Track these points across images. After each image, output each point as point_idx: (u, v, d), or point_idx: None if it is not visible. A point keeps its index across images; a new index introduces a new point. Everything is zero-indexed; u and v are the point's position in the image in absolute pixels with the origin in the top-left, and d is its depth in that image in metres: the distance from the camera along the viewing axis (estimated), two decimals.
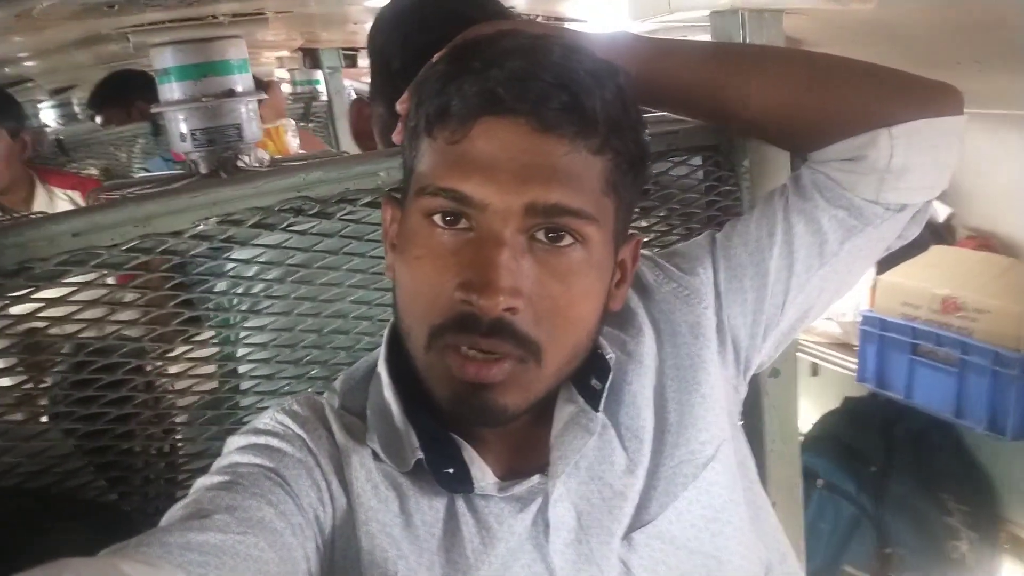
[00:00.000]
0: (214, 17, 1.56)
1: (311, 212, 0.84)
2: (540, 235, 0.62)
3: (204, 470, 0.67)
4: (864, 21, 1.38)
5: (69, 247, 0.74)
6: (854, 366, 2.15)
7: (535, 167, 0.60)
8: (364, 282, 0.89)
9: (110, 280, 0.79)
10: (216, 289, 0.85)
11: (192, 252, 0.80)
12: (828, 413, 2.41)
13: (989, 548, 2.13)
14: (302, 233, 0.84)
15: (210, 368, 0.89)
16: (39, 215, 1.34)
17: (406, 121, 0.70)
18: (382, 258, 0.88)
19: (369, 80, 1.10)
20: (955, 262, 1.97)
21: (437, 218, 0.62)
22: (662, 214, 1.04)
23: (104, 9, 1.09)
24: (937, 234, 2.15)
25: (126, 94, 2.70)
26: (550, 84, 0.60)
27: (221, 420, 0.87)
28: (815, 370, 2.45)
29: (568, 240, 0.62)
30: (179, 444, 0.88)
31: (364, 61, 2.94)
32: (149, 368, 0.83)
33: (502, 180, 0.60)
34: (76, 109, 3.56)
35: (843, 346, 2.29)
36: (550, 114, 0.60)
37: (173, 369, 0.85)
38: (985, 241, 2.16)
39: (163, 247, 0.78)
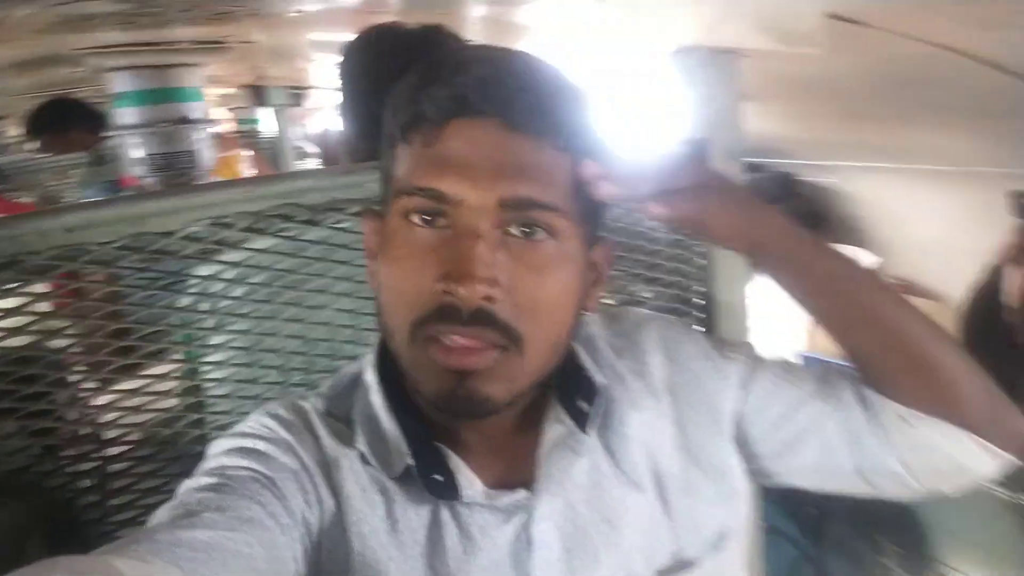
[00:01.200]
0: (175, 44, 1.57)
1: (300, 219, 0.85)
2: (513, 230, 0.64)
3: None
4: (807, 74, 1.47)
5: (61, 242, 0.74)
6: None
7: (506, 164, 0.63)
8: (349, 290, 0.90)
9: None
10: (179, 304, 0.84)
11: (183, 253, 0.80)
12: None
13: None
14: (290, 239, 0.85)
15: (170, 384, 0.88)
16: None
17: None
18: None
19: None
20: None
21: (415, 218, 0.64)
22: (626, 240, 1.08)
23: (79, 23, 1.09)
24: None
25: (65, 121, 2.64)
26: (515, 88, 0.63)
27: (178, 438, 0.86)
28: None
29: (541, 234, 0.65)
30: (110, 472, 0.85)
31: (308, 103, 2.95)
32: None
33: (476, 177, 0.62)
34: (11, 138, 3.46)
35: None
36: (517, 115, 0.63)
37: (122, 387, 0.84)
38: (907, 288, 2.28)
39: (153, 246, 0.78)
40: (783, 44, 1.07)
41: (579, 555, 0.68)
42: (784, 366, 0.80)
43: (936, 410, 0.73)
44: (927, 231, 2.17)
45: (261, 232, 0.83)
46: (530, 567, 0.67)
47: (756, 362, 0.79)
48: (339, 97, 1.16)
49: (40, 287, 0.78)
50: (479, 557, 0.67)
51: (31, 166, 2.59)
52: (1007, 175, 1.88)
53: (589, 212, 0.69)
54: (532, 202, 0.63)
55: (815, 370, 0.80)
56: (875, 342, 0.75)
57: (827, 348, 2.02)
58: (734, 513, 0.74)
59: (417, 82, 0.66)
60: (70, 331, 0.81)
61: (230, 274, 0.86)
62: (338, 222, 0.87)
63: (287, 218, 0.84)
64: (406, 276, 0.64)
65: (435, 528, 0.68)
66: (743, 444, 0.77)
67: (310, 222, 0.85)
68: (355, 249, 0.89)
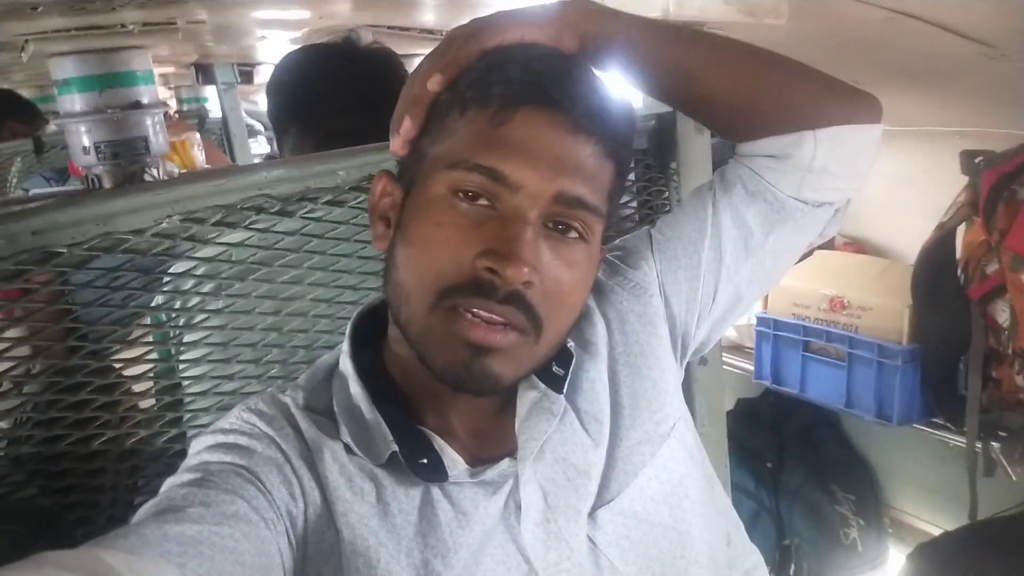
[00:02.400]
0: (123, 26, 1.52)
1: (272, 210, 0.84)
2: (551, 225, 0.67)
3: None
4: (769, 41, 1.49)
5: (29, 245, 0.72)
6: (748, 367, 2.27)
7: (567, 160, 0.65)
8: (323, 280, 0.89)
9: None
10: (152, 304, 0.83)
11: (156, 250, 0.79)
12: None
13: (876, 532, 2.28)
14: (262, 231, 0.84)
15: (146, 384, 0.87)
16: None
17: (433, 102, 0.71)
18: (342, 256, 0.89)
19: (267, 109, 1.25)
20: (839, 265, 2.12)
21: (460, 194, 0.66)
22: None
23: (27, 12, 1.05)
24: None
25: None
26: (586, 87, 0.67)
27: (178, 423, 0.85)
28: None
29: (574, 234, 0.68)
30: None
31: (259, 78, 2.89)
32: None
33: (538, 167, 0.64)
34: None
35: (737, 348, 2.41)
36: (583, 114, 0.65)
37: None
38: (859, 247, 2.34)
39: (124, 245, 0.77)
40: (748, 16, 1.08)
41: (562, 510, 0.71)
42: (670, 222, 0.86)
43: (797, 120, 0.79)
44: (879, 190, 2.22)
45: (233, 226, 0.82)
46: (520, 530, 0.70)
47: (655, 248, 0.85)
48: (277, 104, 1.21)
49: None
50: (473, 529, 0.69)
51: None
52: (957, 134, 1.93)
53: (610, 218, 0.73)
54: (582, 202, 0.66)
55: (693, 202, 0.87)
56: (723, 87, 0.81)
57: (780, 309, 2.08)
58: (674, 407, 0.80)
59: (490, 61, 0.68)
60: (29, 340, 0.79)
61: (203, 269, 0.85)
62: (311, 211, 0.86)
63: (259, 210, 0.83)
64: (442, 244, 0.66)
65: (427, 506, 0.69)
66: (689, 328, 0.85)
67: (282, 212, 0.84)
68: (329, 239, 0.89)
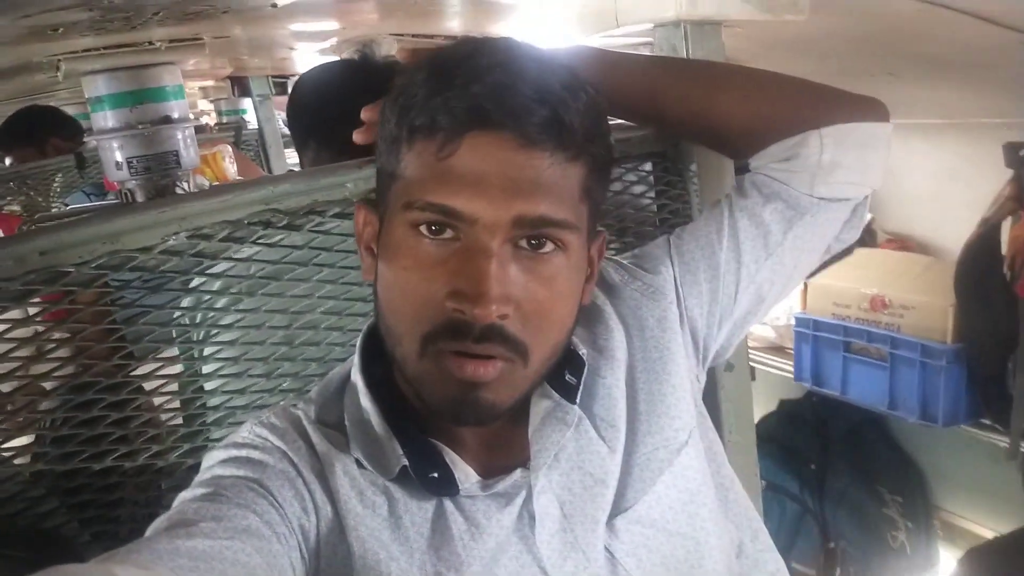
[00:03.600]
0: (150, 43, 1.54)
1: (280, 224, 0.84)
2: (523, 243, 0.64)
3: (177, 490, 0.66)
4: (792, 36, 1.46)
5: (36, 265, 0.73)
6: (789, 368, 2.23)
7: (521, 181, 0.63)
8: (333, 293, 0.89)
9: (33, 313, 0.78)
10: (183, 304, 0.84)
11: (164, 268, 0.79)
12: (765, 416, 2.49)
13: (925, 535, 2.22)
14: (270, 246, 0.84)
15: (174, 387, 0.88)
16: None
17: (379, 128, 0.71)
18: (351, 268, 0.89)
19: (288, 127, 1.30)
20: (879, 263, 2.07)
21: (423, 228, 0.64)
22: (616, 219, 1.08)
23: (48, 33, 1.07)
24: (860, 238, 2.25)
25: (40, 131, 2.63)
26: (530, 99, 0.62)
27: (193, 438, 0.86)
28: (752, 374, 2.52)
29: (550, 247, 0.65)
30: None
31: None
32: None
33: (491, 195, 0.62)
34: None
35: (777, 349, 2.37)
36: (533, 129, 0.62)
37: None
38: (903, 243, 2.27)
39: (132, 263, 0.77)
40: (766, 13, 1.05)
41: (579, 519, 0.70)
42: (689, 230, 0.87)
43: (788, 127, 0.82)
44: (921, 185, 2.16)
45: (241, 241, 0.82)
46: (535, 541, 0.69)
47: (673, 252, 0.85)
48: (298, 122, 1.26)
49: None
50: (486, 541, 0.68)
51: (11, 175, 2.57)
52: (1000, 126, 1.87)
53: (592, 213, 0.71)
54: (546, 220, 0.64)
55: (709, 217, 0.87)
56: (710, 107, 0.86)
57: (820, 308, 2.04)
58: (691, 414, 0.78)
59: (429, 83, 0.65)
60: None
61: (214, 284, 0.86)
62: (319, 225, 0.86)
63: (267, 224, 0.83)
64: (414, 289, 0.65)
65: (440, 519, 0.69)
66: (711, 331, 0.85)
67: (290, 227, 0.84)
68: (337, 251, 0.89)
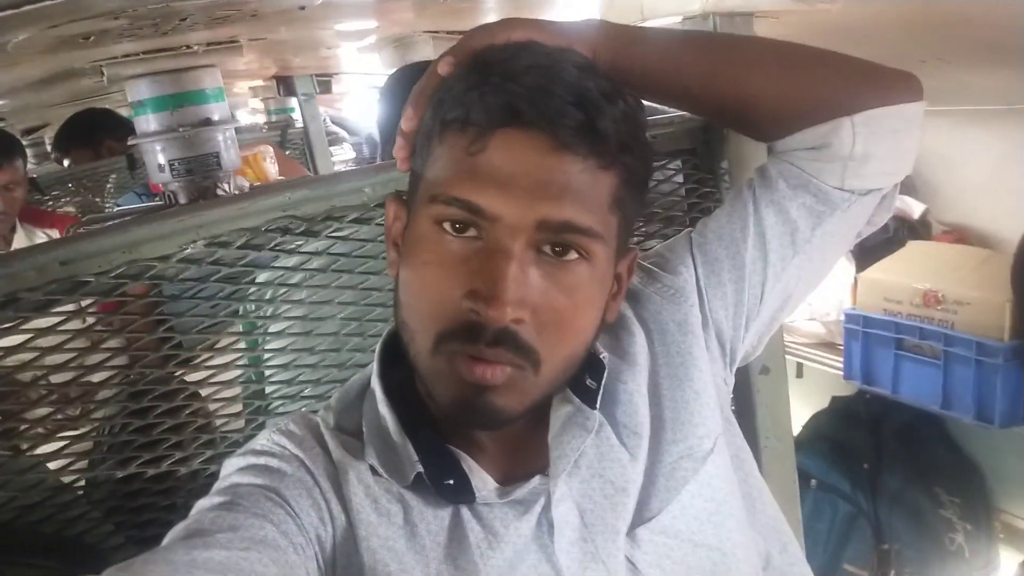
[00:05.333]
0: (188, 47, 1.56)
1: (298, 231, 0.84)
2: (547, 249, 0.63)
3: None
4: (831, 23, 1.41)
5: (57, 275, 0.74)
6: (839, 365, 2.16)
7: (549, 184, 0.61)
8: (353, 298, 0.89)
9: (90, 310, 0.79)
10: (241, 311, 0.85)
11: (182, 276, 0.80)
12: (817, 414, 2.42)
13: (985, 538, 2.14)
14: (288, 252, 0.84)
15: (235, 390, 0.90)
16: None
17: (417, 128, 0.70)
18: (371, 274, 0.89)
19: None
20: (933, 256, 1.99)
21: (447, 225, 0.63)
22: (644, 219, 1.05)
23: (79, 41, 1.09)
24: (913, 230, 2.18)
25: (95, 134, 2.69)
26: (566, 102, 0.61)
27: (214, 444, 0.87)
28: (800, 371, 2.47)
29: (574, 255, 0.64)
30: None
31: (338, 87, 2.94)
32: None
33: (516, 195, 0.61)
34: (48, 148, 3.54)
35: (828, 346, 2.30)
36: (566, 131, 0.61)
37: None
38: (960, 235, 2.19)
39: (150, 272, 0.78)
40: (799, 2, 1.02)
41: (599, 529, 0.69)
42: (711, 226, 0.82)
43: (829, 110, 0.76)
44: (976, 173, 2.08)
45: (258, 248, 0.82)
46: (554, 549, 0.67)
47: (695, 252, 0.82)
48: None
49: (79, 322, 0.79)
50: (504, 550, 0.67)
51: (67, 176, 2.64)
52: None
53: (623, 227, 0.69)
54: (571, 226, 0.62)
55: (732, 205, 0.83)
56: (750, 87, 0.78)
57: (870, 304, 1.98)
58: (715, 421, 0.76)
59: (466, 79, 0.64)
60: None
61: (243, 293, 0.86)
62: (337, 230, 0.85)
63: (285, 231, 0.83)
64: (433, 285, 0.64)
65: (457, 527, 0.68)
66: (738, 332, 0.81)
67: (308, 233, 0.84)
68: (356, 257, 0.88)
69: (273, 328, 0.88)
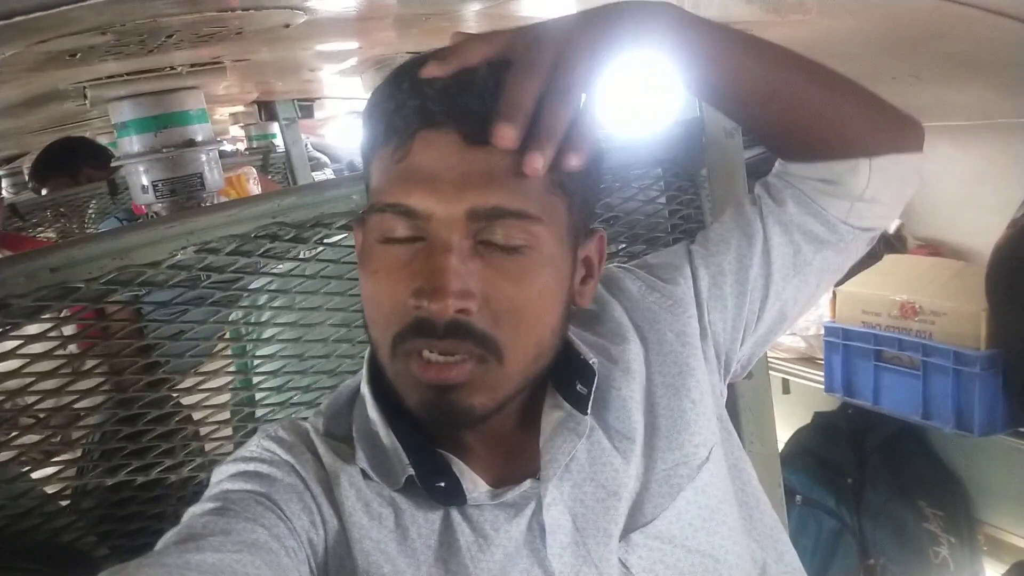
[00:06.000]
0: (172, 68, 1.57)
1: (287, 238, 0.84)
2: (492, 239, 0.64)
3: None
4: (804, 39, 1.44)
5: (47, 282, 0.74)
6: (821, 379, 2.18)
7: (472, 174, 0.62)
8: (342, 304, 0.89)
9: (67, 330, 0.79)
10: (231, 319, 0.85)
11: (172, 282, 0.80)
12: (800, 429, 2.44)
13: (969, 551, 2.15)
14: (277, 259, 0.85)
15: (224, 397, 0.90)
16: None
17: None
18: (359, 280, 0.89)
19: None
20: (909, 269, 2.02)
21: (389, 232, 0.65)
22: (626, 226, 1.07)
23: (66, 59, 1.10)
24: (889, 244, 2.22)
25: (73, 161, 2.69)
26: (477, 96, 0.62)
27: (205, 452, 0.87)
28: (786, 387, 2.48)
29: (518, 242, 0.64)
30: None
31: (320, 112, 2.96)
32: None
33: (443, 190, 0.62)
34: (26, 178, 3.52)
35: (809, 360, 2.32)
36: (478, 124, 0.62)
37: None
38: (935, 249, 2.23)
39: (141, 278, 0.78)
40: (772, 14, 1.04)
41: (591, 533, 0.69)
42: (713, 238, 0.84)
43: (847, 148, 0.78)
44: (949, 188, 2.12)
45: (248, 254, 0.83)
46: (546, 554, 0.68)
47: (696, 263, 0.83)
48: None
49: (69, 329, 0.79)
50: (494, 553, 0.67)
51: (47, 203, 2.64)
52: None
53: (575, 206, 0.68)
54: (502, 210, 0.63)
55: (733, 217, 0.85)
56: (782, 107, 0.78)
57: (849, 317, 2.00)
58: (711, 430, 0.77)
59: (386, 92, 0.66)
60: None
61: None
62: (325, 237, 0.86)
63: (274, 238, 0.84)
64: (383, 291, 0.65)
65: (447, 530, 0.68)
66: (734, 345, 0.83)
67: (297, 239, 0.85)
68: (344, 263, 0.89)
69: (262, 335, 0.88)
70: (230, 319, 0.87)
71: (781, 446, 2.40)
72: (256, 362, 0.88)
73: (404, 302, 0.63)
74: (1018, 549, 2.10)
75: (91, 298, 0.77)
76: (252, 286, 0.86)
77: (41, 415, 0.80)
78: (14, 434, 0.77)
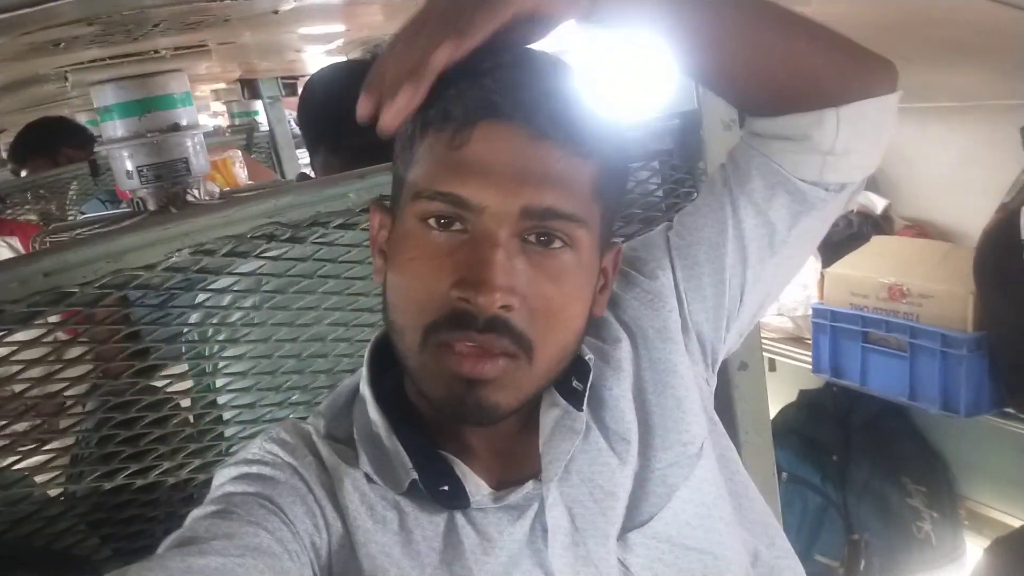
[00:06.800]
0: (156, 52, 1.54)
1: (283, 237, 0.83)
2: (532, 238, 0.63)
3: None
4: None
5: (41, 287, 0.73)
6: (808, 359, 2.20)
7: (530, 172, 0.62)
8: (340, 304, 0.88)
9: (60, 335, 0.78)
10: (191, 321, 0.84)
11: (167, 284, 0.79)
12: (785, 407, 2.46)
13: (951, 525, 2.19)
14: (275, 259, 0.84)
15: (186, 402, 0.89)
16: None
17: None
18: (357, 279, 0.89)
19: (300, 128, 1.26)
20: (897, 251, 2.04)
21: (432, 221, 0.64)
22: (623, 220, 1.06)
23: (49, 48, 1.07)
24: (876, 225, 2.23)
25: (52, 141, 2.65)
26: (542, 93, 0.62)
27: (204, 453, 0.86)
28: (772, 365, 2.50)
29: (558, 243, 0.64)
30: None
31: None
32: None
33: (499, 184, 0.61)
34: (4, 155, 3.46)
35: (796, 340, 2.34)
36: (543, 121, 0.62)
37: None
38: (922, 230, 2.24)
39: (136, 281, 0.77)
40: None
41: (590, 533, 0.69)
42: (688, 224, 0.81)
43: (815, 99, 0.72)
44: (937, 169, 2.13)
45: (244, 255, 0.82)
46: (547, 554, 0.68)
47: (673, 254, 0.80)
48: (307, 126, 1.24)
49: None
50: (498, 555, 0.67)
51: (27, 185, 2.59)
52: (1018, 107, 1.83)
53: (606, 218, 0.69)
54: (554, 212, 0.63)
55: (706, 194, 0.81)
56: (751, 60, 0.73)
57: (837, 299, 2.02)
58: (701, 425, 0.76)
59: (445, 80, 0.63)
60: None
61: (223, 300, 0.85)
62: (322, 236, 0.85)
63: (270, 238, 0.83)
64: (420, 279, 0.64)
65: (452, 533, 0.68)
66: (719, 334, 0.81)
67: (293, 239, 0.84)
68: (342, 262, 0.88)
69: (256, 336, 0.87)
70: (229, 319, 0.86)
71: None
72: (252, 363, 0.87)
73: (443, 292, 0.62)
74: (999, 523, 2.15)
75: (85, 303, 0.75)
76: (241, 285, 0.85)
77: (29, 403, 0.78)
78: (8, 442, 0.76)
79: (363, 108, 0.64)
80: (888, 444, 2.26)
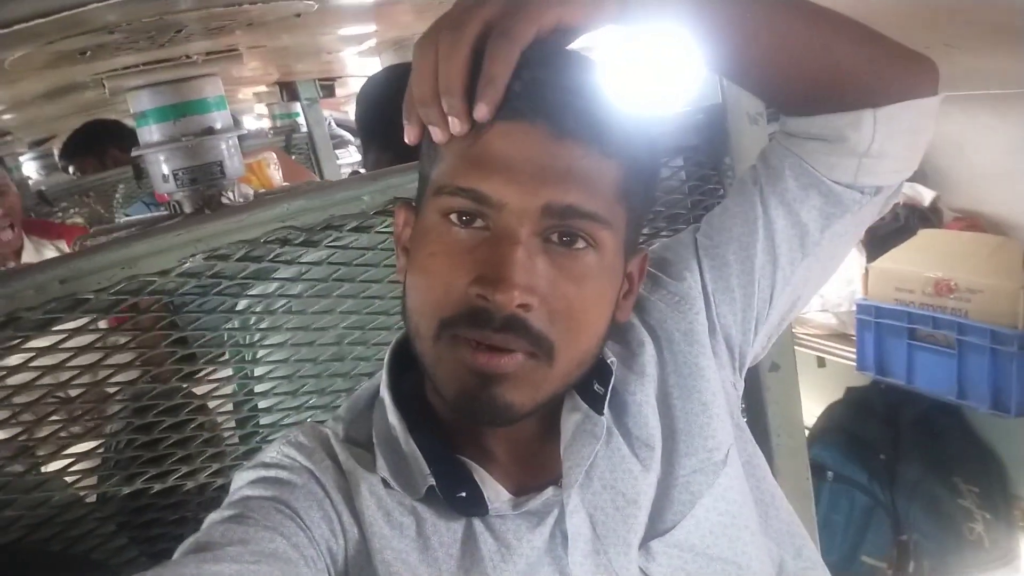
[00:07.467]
0: (187, 57, 1.56)
1: (297, 241, 0.83)
2: (554, 238, 0.62)
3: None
4: (834, 5, 1.39)
5: (57, 294, 0.74)
6: (853, 356, 2.14)
7: (551, 169, 0.61)
8: (355, 307, 0.88)
9: (101, 324, 0.79)
10: (227, 326, 0.84)
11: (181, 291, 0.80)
12: (832, 404, 2.41)
13: (1004, 527, 2.12)
14: (288, 263, 0.84)
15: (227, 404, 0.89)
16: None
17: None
18: (372, 282, 0.88)
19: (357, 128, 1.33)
20: (945, 244, 1.97)
21: (453, 217, 0.63)
22: (648, 217, 1.04)
23: (76, 56, 1.09)
24: (924, 218, 2.16)
25: (99, 143, 2.71)
26: (565, 92, 0.61)
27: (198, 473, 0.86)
28: (821, 362, 2.44)
29: (581, 244, 0.63)
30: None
31: (342, 90, 2.94)
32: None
33: (521, 180, 0.60)
34: (56, 160, 3.56)
35: (841, 336, 2.28)
36: (566, 120, 0.61)
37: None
38: (972, 222, 2.16)
39: (150, 287, 0.78)
40: None
41: (612, 541, 0.68)
42: (716, 226, 0.79)
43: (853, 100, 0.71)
44: (987, 159, 2.06)
45: (258, 260, 0.82)
46: (567, 562, 0.66)
47: (700, 255, 0.79)
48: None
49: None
50: (517, 562, 0.66)
51: (75, 187, 2.66)
52: None
53: (632, 222, 0.67)
54: (575, 210, 0.62)
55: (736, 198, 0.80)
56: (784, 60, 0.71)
57: (882, 294, 1.96)
58: (727, 431, 0.74)
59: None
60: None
61: (239, 305, 0.86)
62: (336, 240, 0.85)
63: (284, 242, 0.83)
64: (438, 274, 0.63)
65: (470, 540, 0.67)
66: (747, 337, 0.79)
67: (307, 243, 0.84)
68: (357, 265, 0.88)
69: (275, 339, 0.87)
70: (238, 324, 0.86)
71: (814, 420, 2.38)
72: (270, 366, 0.87)
73: (461, 288, 0.62)
74: None
75: (101, 309, 0.76)
76: (256, 290, 0.85)
77: (72, 392, 0.80)
78: (32, 445, 0.77)
79: (410, 133, 0.64)
80: (939, 442, 2.20)
